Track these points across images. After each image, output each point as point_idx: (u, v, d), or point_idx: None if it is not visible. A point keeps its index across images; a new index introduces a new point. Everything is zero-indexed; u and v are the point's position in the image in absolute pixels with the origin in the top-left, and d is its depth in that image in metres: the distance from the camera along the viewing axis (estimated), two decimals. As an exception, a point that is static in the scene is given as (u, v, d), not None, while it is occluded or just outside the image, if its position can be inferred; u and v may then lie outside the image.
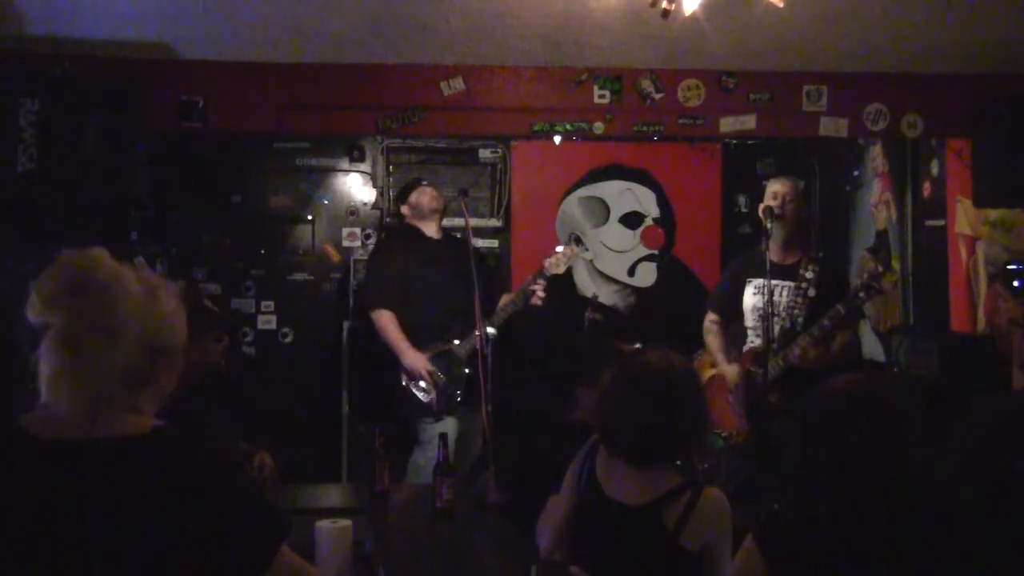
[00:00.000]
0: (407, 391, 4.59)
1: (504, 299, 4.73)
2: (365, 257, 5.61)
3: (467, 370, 4.58)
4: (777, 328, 4.11)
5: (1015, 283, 2.85)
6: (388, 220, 5.67)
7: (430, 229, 4.78)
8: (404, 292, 4.65)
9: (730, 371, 4.28)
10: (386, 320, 4.62)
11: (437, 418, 4.58)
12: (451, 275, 4.62)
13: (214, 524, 1.47)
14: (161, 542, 1.43)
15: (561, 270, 4.73)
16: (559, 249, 4.75)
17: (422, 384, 4.56)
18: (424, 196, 4.78)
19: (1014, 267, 2.92)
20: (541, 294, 4.63)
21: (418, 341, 4.60)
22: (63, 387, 1.47)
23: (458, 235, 4.87)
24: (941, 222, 5.13)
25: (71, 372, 1.47)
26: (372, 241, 5.71)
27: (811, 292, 4.14)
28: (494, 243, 5.87)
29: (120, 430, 1.49)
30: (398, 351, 4.58)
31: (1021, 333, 2.98)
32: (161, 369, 1.58)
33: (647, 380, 2.47)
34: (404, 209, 4.85)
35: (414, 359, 4.55)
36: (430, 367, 4.56)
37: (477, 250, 4.87)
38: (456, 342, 4.62)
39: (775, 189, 4.28)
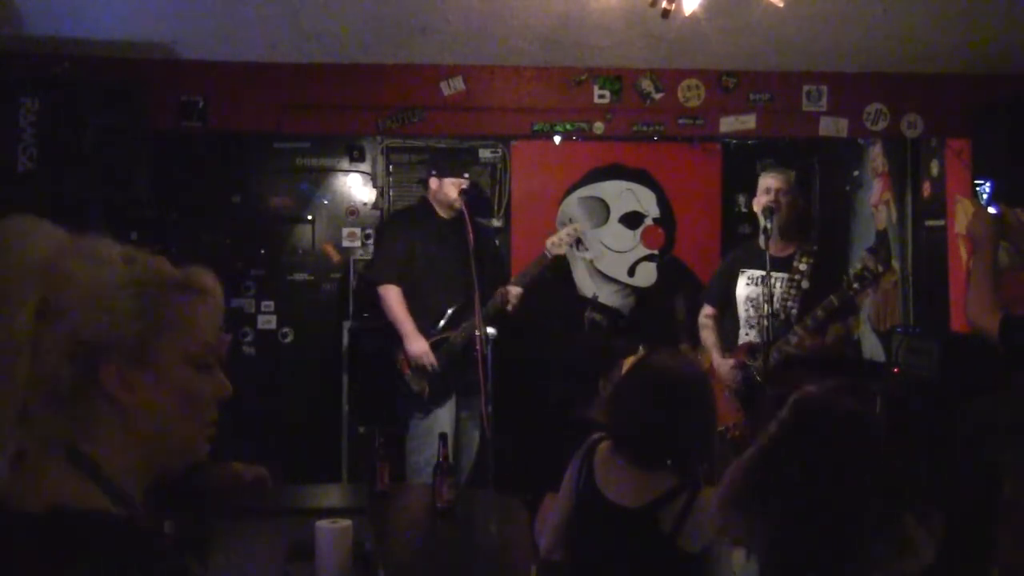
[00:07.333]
0: (401, 378, 4.58)
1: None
2: (365, 257, 5.62)
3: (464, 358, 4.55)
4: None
5: (990, 207, 2.86)
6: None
7: (443, 211, 4.74)
8: (408, 269, 4.64)
9: (724, 367, 4.28)
10: (394, 296, 4.60)
11: (426, 412, 4.56)
12: (454, 259, 4.58)
13: None
14: None
15: (563, 250, 4.76)
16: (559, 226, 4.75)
17: (416, 373, 4.55)
18: (453, 190, 4.63)
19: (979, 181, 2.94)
20: (512, 305, 4.61)
21: (415, 321, 4.58)
22: None
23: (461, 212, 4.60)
24: (941, 222, 5.12)
25: None
26: (372, 241, 5.70)
27: (804, 284, 4.15)
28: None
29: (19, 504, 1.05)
30: (403, 333, 4.55)
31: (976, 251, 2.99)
32: (104, 375, 1.06)
33: (658, 382, 2.45)
34: (432, 183, 4.74)
35: (419, 346, 4.53)
36: (433, 356, 4.53)
37: (484, 230, 4.81)
38: (452, 332, 4.60)
39: (768, 184, 4.28)
